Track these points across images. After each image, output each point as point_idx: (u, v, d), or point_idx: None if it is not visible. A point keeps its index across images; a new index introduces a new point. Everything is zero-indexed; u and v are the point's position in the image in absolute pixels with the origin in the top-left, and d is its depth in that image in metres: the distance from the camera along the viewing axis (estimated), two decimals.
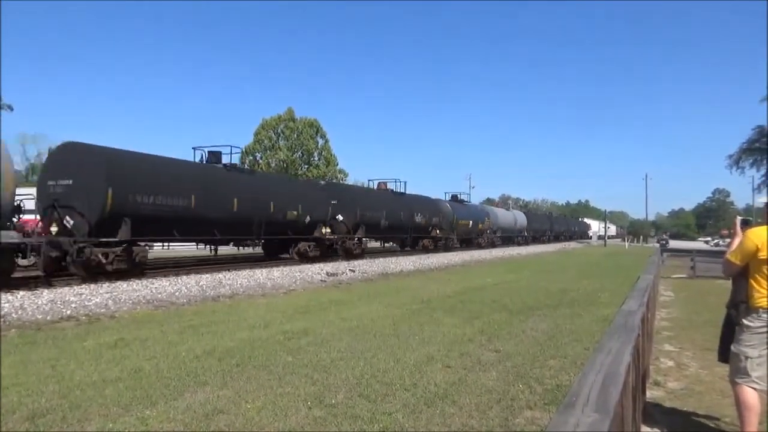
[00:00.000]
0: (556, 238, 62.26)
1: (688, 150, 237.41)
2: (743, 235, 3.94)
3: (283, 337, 7.20)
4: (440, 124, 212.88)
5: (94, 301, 10.03)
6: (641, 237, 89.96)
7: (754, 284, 3.83)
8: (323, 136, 52.81)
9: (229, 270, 15.91)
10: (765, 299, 3.75)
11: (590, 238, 74.94)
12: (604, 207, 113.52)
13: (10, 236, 11.80)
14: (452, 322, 8.54)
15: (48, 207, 13.07)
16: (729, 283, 4.14)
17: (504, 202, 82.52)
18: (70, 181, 13.05)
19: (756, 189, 44.64)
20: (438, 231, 30.69)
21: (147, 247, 15.03)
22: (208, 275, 14.36)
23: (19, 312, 8.90)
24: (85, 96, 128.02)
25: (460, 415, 4.34)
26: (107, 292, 10.89)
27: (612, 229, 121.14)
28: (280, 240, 20.09)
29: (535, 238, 53.18)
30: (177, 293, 11.50)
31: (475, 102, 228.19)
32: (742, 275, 3.93)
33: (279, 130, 51.24)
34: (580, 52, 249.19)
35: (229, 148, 18.38)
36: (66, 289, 11.16)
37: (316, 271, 16.86)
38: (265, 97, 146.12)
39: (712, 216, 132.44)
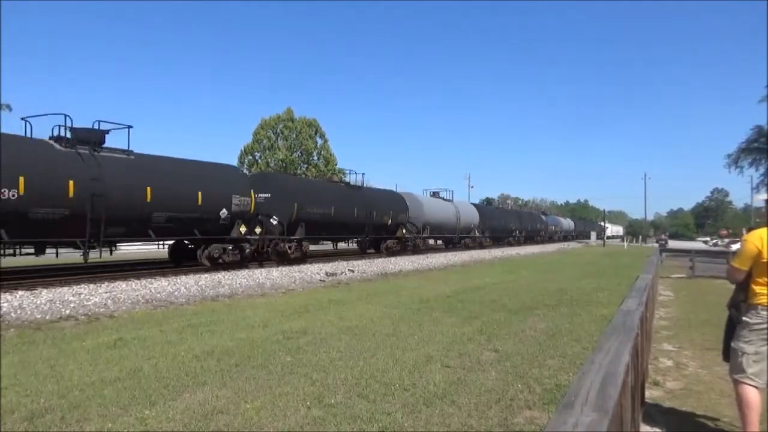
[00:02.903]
0: (587, 237, 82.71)
1: (687, 150, 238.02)
2: (743, 240, 3.98)
3: (282, 337, 7.20)
4: (439, 123, 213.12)
5: (93, 301, 10.03)
6: (640, 237, 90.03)
7: (753, 284, 3.88)
8: (322, 136, 52.83)
9: (227, 270, 15.90)
10: (764, 297, 3.80)
11: (589, 237, 76.24)
12: (603, 207, 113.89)
13: None
14: (451, 322, 8.54)
15: None
16: (728, 283, 4.17)
17: (503, 201, 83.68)
18: None
19: (755, 188, 44.68)
20: (543, 233, 56.25)
21: None
22: (207, 275, 14.35)
23: (18, 311, 8.90)
24: (84, 96, 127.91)
25: (459, 414, 4.34)
26: (106, 292, 10.89)
27: (619, 230, 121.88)
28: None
29: (577, 236, 77.81)
30: (176, 293, 11.50)
31: (474, 101, 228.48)
32: None
33: (278, 130, 51.24)
34: (579, 52, 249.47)
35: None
36: (65, 288, 11.15)
37: (315, 271, 16.87)
38: (264, 97, 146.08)
39: (711, 216, 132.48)
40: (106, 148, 13.54)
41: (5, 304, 9.15)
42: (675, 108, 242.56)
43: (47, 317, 8.71)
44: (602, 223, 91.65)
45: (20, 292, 10.38)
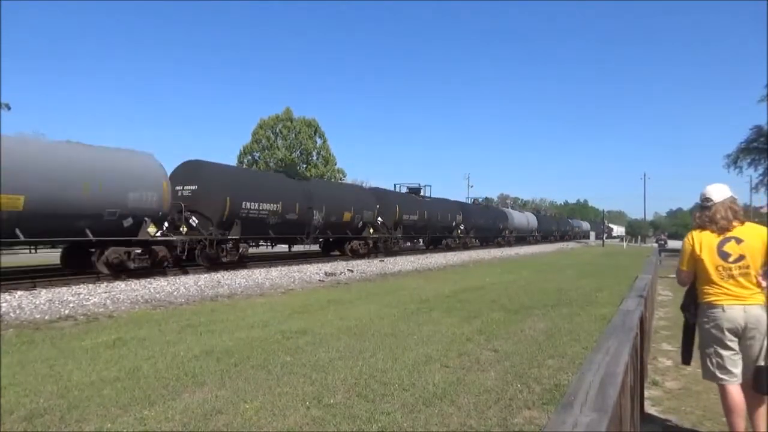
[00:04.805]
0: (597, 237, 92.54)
1: (686, 150, 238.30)
2: (683, 241, 4.07)
3: (281, 337, 7.20)
4: (438, 123, 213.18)
5: (92, 301, 10.02)
6: (639, 237, 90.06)
7: (698, 284, 3.94)
8: (321, 136, 52.81)
9: (227, 270, 15.89)
10: (708, 296, 3.82)
11: (580, 238, 76.63)
12: (603, 207, 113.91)
13: None
14: (451, 322, 8.54)
15: None
16: None
17: (503, 201, 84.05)
18: None
19: (753, 189, 44.63)
20: (570, 233, 67.77)
21: None
22: (206, 275, 14.34)
23: (17, 311, 8.89)
24: (84, 96, 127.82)
25: (459, 414, 4.34)
26: (105, 292, 10.88)
27: (623, 230, 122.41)
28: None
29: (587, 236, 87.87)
30: (175, 293, 11.49)
31: (474, 101, 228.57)
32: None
33: (277, 130, 51.22)
34: (579, 52, 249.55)
35: None
36: (64, 288, 11.14)
37: (315, 270, 16.86)
38: (264, 97, 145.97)
39: None
40: (425, 196, 31.46)
41: (4, 304, 9.14)
42: (675, 108, 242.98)
43: (46, 317, 8.70)
44: (608, 224, 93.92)
45: (19, 292, 10.37)
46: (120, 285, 11.85)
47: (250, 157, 50.21)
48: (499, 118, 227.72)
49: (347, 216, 22.00)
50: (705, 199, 3.91)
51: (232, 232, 16.54)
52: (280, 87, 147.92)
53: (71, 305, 9.57)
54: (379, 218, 24.59)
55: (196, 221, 15.62)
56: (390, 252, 25.94)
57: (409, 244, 33.00)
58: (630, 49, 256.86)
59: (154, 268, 14.15)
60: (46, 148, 12.31)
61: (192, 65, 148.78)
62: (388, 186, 37.35)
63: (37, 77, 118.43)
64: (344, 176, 53.15)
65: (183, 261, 15.54)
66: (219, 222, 16.09)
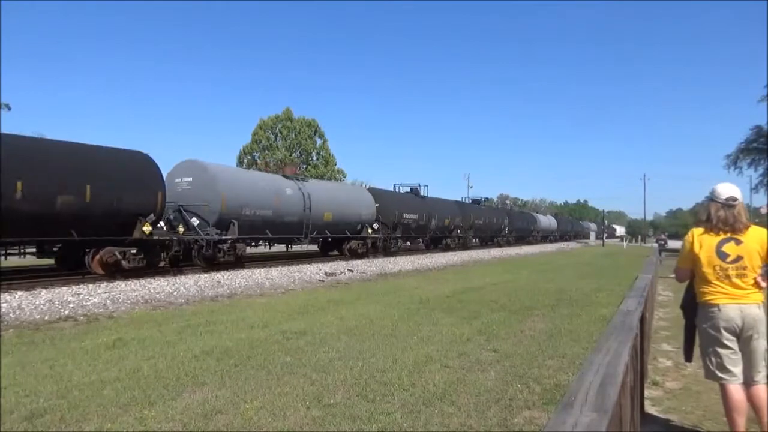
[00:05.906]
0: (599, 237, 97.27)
1: (686, 150, 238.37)
2: (684, 239, 4.07)
3: (281, 337, 7.20)
4: (438, 123, 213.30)
5: (92, 301, 10.02)
6: (639, 237, 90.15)
7: (695, 283, 3.94)
8: (321, 136, 52.85)
9: (227, 270, 15.90)
10: (705, 296, 3.83)
11: (588, 238, 76.56)
12: (603, 207, 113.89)
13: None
14: (451, 322, 8.54)
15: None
16: None
17: (502, 201, 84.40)
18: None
19: (753, 189, 44.55)
20: (582, 232, 75.66)
21: None
22: (206, 275, 14.34)
23: (17, 312, 8.89)
24: (84, 96, 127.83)
25: (459, 414, 4.34)
26: (105, 292, 10.88)
27: (624, 230, 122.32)
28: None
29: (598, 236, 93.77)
30: (175, 293, 11.49)
31: (474, 101, 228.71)
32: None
33: (277, 130, 51.25)
34: (578, 52, 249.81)
35: None
36: (64, 289, 11.15)
37: (315, 271, 16.86)
38: (264, 97, 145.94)
39: None
40: (483, 205, 43.46)
41: (4, 305, 9.14)
42: (675, 108, 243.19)
43: (46, 317, 8.71)
44: (612, 225, 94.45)
45: (19, 293, 10.37)
46: (120, 285, 11.86)
47: (249, 158, 50.22)
48: (499, 118, 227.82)
49: (447, 221, 32.54)
50: (730, 198, 3.83)
51: (396, 232, 26.74)
52: (280, 87, 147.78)
53: (71, 305, 9.58)
54: (461, 222, 34.38)
55: (377, 226, 25.02)
56: (466, 246, 35.50)
57: (475, 241, 41.19)
58: (630, 49, 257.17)
59: (368, 252, 24.35)
60: (337, 187, 26.37)
61: (192, 65, 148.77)
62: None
63: (37, 77, 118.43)
64: (344, 177, 53.21)
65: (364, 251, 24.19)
66: (392, 226, 26.25)
